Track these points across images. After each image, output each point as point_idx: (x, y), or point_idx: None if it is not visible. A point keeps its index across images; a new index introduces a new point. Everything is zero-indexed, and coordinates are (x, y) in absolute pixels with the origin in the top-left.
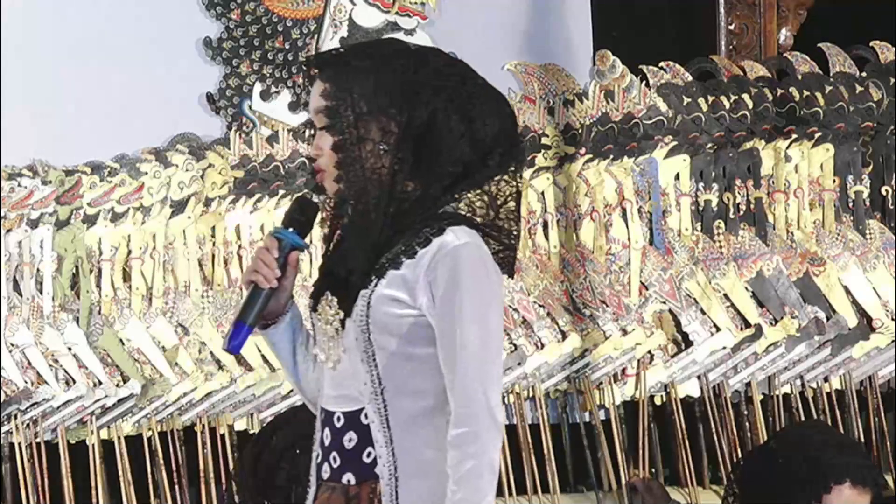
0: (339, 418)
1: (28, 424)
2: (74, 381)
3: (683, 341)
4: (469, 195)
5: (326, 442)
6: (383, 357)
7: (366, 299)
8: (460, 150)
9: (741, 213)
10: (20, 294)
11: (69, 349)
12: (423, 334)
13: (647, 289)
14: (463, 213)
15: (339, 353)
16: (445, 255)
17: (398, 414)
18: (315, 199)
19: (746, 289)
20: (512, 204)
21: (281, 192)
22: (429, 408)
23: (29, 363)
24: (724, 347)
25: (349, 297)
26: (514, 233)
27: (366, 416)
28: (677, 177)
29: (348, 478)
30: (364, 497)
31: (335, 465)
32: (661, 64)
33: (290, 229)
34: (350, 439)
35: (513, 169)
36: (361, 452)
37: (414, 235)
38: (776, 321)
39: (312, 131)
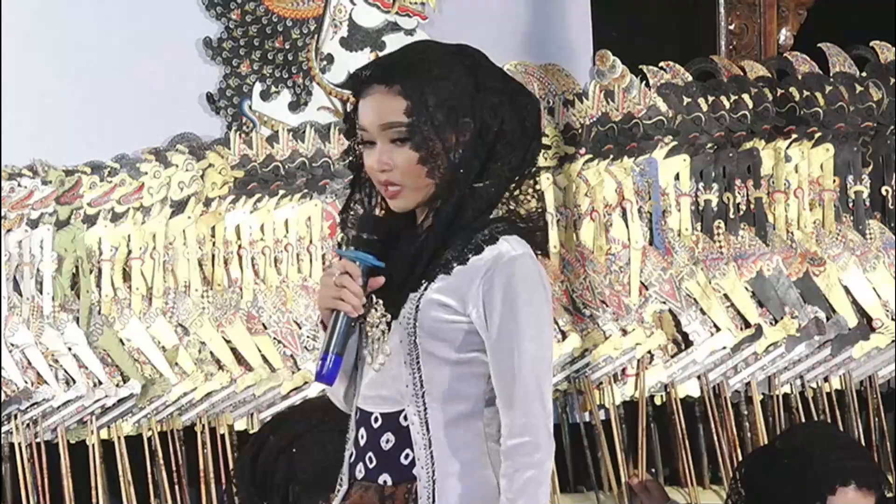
0: (376, 419)
1: (28, 424)
2: (74, 381)
3: (683, 341)
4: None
5: (362, 442)
6: (427, 360)
7: (414, 302)
8: (517, 151)
9: (741, 213)
10: (20, 294)
11: (69, 349)
12: (468, 340)
13: (647, 289)
14: (509, 215)
15: (383, 356)
16: (503, 267)
17: (438, 417)
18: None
19: (746, 289)
20: (535, 181)
21: (281, 192)
22: (468, 412)
23: (29, 363)
24: (724, 347)
25: (398, 299)
26: (541, 209)
27: (405, 417)
28: (677, 177)
29: (385, 478)
30: (399, 498)
31: (371, 466)
32: (661, 64)
33: (361, 250)
34: (388, 440)
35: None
36: (399, 454)
37: (465, 241)
38: (776, 321)
39: (362, 143)
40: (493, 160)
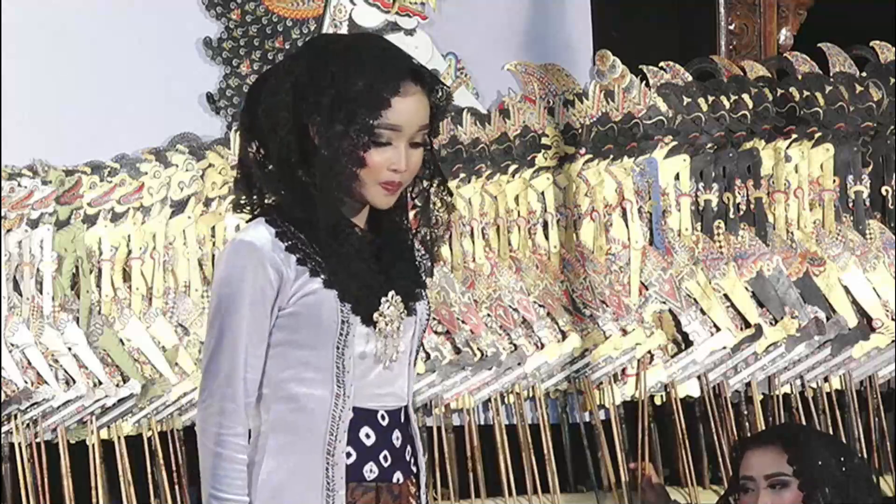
0: (383, 416)
1: (28, 424)
2: (74, 381)
3: (683, 341)
4: None
5: (368, 442)
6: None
7: (428, 298)
8: None
9: (741, 213)
10: (20, 294)
11: (69, 349)
12: None
13: (647, 289)
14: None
15: (398, 352)
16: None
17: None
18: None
19: (746, 289)
20: None
21: None
22: None
23: (29, 363)
24: (724, 347)
25: (415, 296)
26: None
27: (404, 413)
28: (677, 177)
29: (398, 476)
30: (404, 494)
31: (386, 465)
32: (661, 64)
33: None
34: (397, 437)
35: None
36: (405, 450)
37: (406, 236)
38: (776, 321)
39: (375, 143)
40: None
